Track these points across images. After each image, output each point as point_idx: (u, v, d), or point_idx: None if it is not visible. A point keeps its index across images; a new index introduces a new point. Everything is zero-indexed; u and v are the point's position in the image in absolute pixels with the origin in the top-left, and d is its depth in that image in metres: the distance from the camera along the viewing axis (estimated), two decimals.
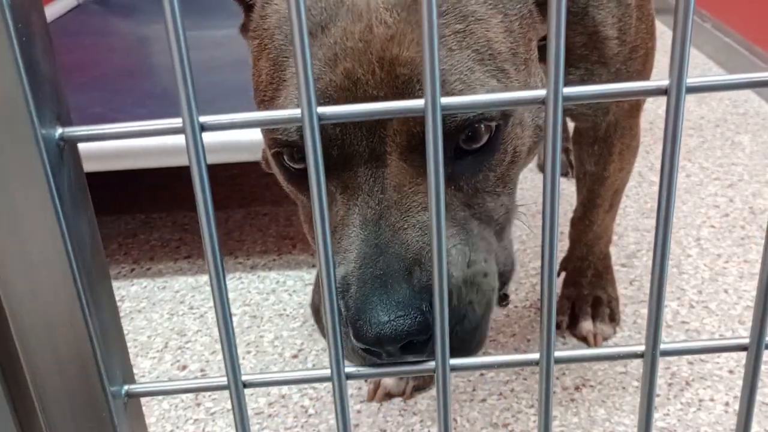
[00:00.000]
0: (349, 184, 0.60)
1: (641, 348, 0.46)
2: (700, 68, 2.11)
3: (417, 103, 0.39)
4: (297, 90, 0.60)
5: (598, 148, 1.01)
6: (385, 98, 0.56)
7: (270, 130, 0.61)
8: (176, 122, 0.38)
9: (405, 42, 0.56)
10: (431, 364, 0.45)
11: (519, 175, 0.68)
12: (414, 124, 0.57)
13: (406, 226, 0.57)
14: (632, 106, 0.96)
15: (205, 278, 1.34)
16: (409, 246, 0.57)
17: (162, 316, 1.26)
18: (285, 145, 0.61)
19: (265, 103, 0.64)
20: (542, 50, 0.71)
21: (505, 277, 0.65)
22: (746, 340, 0.46)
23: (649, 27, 0.87)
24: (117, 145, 1.21)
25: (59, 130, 0.38)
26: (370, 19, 0.57)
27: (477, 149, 0.60)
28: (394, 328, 0.54)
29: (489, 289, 0.61)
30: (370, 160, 0.58)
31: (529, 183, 1.59)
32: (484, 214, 0.63)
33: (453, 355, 0.52)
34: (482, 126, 0.59)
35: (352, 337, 0.56)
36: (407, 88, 0.56)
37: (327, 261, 0.41)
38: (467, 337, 0.58)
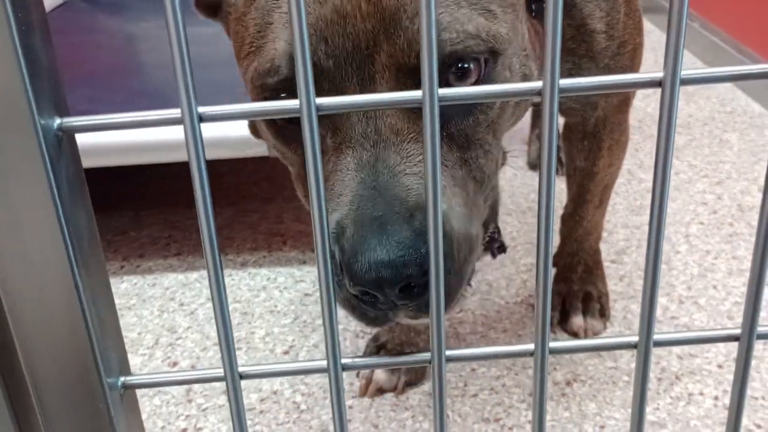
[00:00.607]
0: (341, 126, 0.58)
1: (635, 338, 0.46)
2: (687, 67, 2.12)
3: (415, 94, 0.39)
4: (284, 30, 0.60)
5: (587, 144, 1.01)
6: (373, 30, 0.57)
7: (260, 77, 0.60)
8: (175, 113, 0.38)
9: None
10: (427, 355, 0.46)
11: (507, 128, 0.67)
12: (402, 55, 0.57)
13: (407, 171, 0.56)
14: (621, 101, 0.97)
15: (195, 275, 1.34)
16: (411, 190, 0.56)
17: (152, 313, 1.26)
18: (275, 87, 0.59)
19: (250, 56, 0.63)
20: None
21: (493, 211, 0.66)
22: (738, 331, 0.46)
23: (636, 23, 0.87)
24: (107, 140, 1.20)
25: (58, 121, 0.38)
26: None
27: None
28: (394, 268, 0.52)
29: (473, 261, 0.61)
30: None
31: (519, 180, 1.59)
32: (479, 171, 0.62)
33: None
34: (471, 64, 0.59)
35: (348, 282, 0.54)
36: (394, 18, 0.56)
37: (323, 242, 0.41)
38: (448, 290, 0.58)
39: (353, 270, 0.53)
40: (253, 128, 0.72)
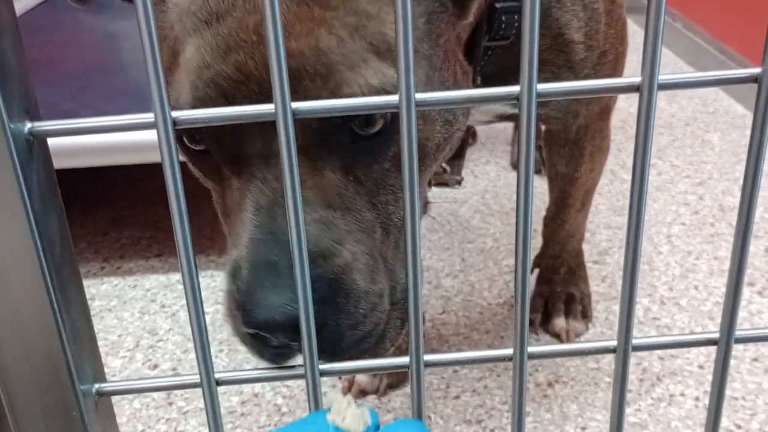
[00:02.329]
0: (244, 169, 0.58)
1: (613, 343, 0.46)
2: (671, 67, 2.13)
3: (392, 99, 0.39)
4: (187, 77, 0.58)
5: (569, 151, 1.01)
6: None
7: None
8: (148, 117, 0.38)
9: (294, 34, 0.55)
10: (405, 360, 0.45)
11: (427, 173, 0.66)
12: (310, 118, 0.55)
13: (306, 219, 0.55)
14: (602, 109, 0.97)
15: (176, 276, 1.33)
16: (308, 237, 0.55)
17: (133, 314, 1.25)
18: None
19: (166, 72, 0.62)
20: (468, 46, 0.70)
21: (398, 296, 0.62)
22: (716, 335, 0.46)
23: (619, 32, 0.86)
24: (86, 141, 1.19)
25: (28, 125, 0.38)
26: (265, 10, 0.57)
27: (372, 135, 0.58)
28: (285, 313, 0.52)
29: (380, 312, 0.59)
30: (263, 149, 0.57)
31: (502, 181, 1.60)
32: (387, 217, 0.61)
33: (323, 355, 0.50)
34: (375, 116, 0.57)
35: (242, 322, 0.55)
36: (295, 79, 0.55)
37: (300, 252, 0.41)
38: (339, 344, 0.57)
39: (246, 312, 0.53)
40: None
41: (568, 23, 0.79)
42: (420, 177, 0.64)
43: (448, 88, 0.64)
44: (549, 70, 0.81)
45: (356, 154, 0.58)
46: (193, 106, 0.56)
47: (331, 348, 0.56)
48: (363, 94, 0.55)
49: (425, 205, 0.68)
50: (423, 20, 0.61)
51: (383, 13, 0.58)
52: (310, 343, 0.44)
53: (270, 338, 0.54)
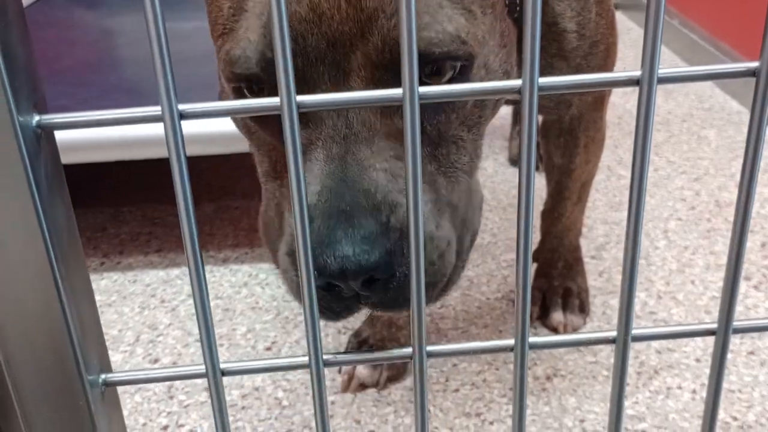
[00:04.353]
0: (311, 117, 0.58)
1: (613, 334, 0.47)
2: (667, 64, 2.14)
3: (395, 92, 0.39)
4: (257, 19, 0.58)
5: (563, 141, 1.02)
6: (350, 32, 0.56)
7: (230, 64, 0.60)
8: (155, 110, 0.38)
9: None
10: (408, 351, 0.46)
11: (486, 123, 0.67)
12: (377, 53, 0.56)
13: (377, 166, 0.56)
14: (596, 99, 0.98)
15: (176, 272, 1.34)
16: (379, 186, 0.56)
17: (133, 309, 1.25)
18: (245, 78, 0.59)
19: (224, 36, 0.62)
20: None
21: (466, 244, 0.63)
22: (714, 326, 0.47)
23: (609, 22, 0.87)
24: (87, 136, 1.20)
25: (36, 118, 0.38)
26: None
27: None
28: (359, 262, 0.53)
29: (449, 260, 0.60)
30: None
31: (500, 177, 1.60)
32: (450, 167, 0.62)
33: (397, 308, 0.54)
34: (447, 64, 0.59)
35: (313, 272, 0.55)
36: (371, 19, 0.56)
37: (304, 237, 0.41)
38: (404, 290, 0.57)
39: (319, 260, 0.53)
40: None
41: (563, 13, 0.80)
42: (478, 126, 0.65)
43: (504, 39, 0.66)
44: (542, 58, 0.82)
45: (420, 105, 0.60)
46: (263, 51, 0.57)
47: (398, 298, 0.56)
48: (440, 39, 0.57)
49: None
50: None
51: None
52: (313, 333, 0.44)
53: (341, 287, 0.54)
